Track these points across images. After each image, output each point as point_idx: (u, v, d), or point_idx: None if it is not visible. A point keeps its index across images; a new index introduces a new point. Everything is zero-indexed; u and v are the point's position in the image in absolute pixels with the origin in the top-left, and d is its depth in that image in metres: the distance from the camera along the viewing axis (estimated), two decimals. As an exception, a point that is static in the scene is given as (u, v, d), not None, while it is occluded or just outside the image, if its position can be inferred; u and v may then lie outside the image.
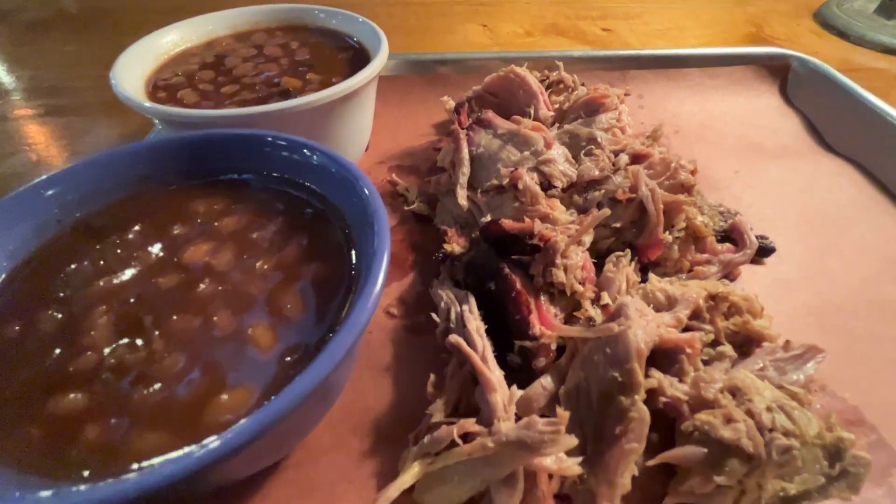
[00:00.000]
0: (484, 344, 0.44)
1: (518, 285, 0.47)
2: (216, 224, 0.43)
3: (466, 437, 0.39)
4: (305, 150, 0.46)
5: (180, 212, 0.44)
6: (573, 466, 0.37)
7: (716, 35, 1.21)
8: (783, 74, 0.90)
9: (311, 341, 0.34)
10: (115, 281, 0.38)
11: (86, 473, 0.28)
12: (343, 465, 0.41)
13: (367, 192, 0.41)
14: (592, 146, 0.65)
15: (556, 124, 0.71)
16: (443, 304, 0.50)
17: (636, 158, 0.63)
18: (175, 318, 0.36)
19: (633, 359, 0.39)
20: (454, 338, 0.44)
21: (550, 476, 0.39)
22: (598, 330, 0.43)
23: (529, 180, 0.57)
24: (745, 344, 0.47)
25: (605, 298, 0.49)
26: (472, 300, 0.49)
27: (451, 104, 0.76)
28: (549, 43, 1.17)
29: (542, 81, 0.77)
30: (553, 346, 0.46)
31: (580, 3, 1.36)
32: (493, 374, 0.42)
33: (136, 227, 0.42)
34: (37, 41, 1.22)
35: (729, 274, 0.58)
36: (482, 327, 0.46)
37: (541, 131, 0.65)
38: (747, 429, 0.36)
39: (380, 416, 0.46)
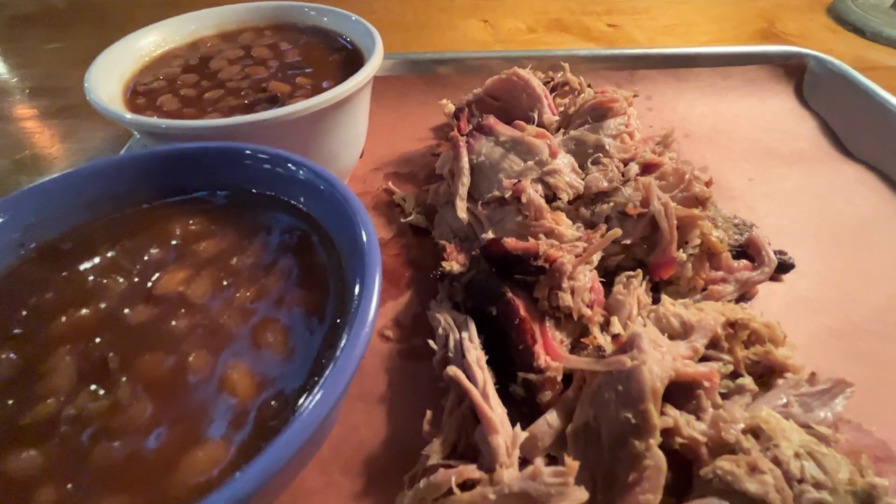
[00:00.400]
0: (485, 377, 0.41)
1: (522, 311, 0.44)
2: (193, 248, 0.40)
3: (466, 482, 0.36)
4: (290, 165, 0.42)
5: (154, 234, 0.40)
6: (582, 518, 0.34)
7: (725, 31, 1.17)
8: (799, 74, 0.85)
9: (293, 387, 0.31)
10: (81, 315, 0.34)
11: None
12: (333, 508, 0.38)
13: (356, 214, 0.37)
14: (600, 154, 0.62)
15: (562, 130, 0.67)
16: (440, 330, 0.46)
17: (647, 168, 0.60)
18: (145, 358, 0.32)
19: (647, 399, 0.36)
20: (452, 370, 0.41)
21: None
22: (608, 363, 0.39)
23: (533, 193, 0.54)
24: (766, 374, 0.44)
25: (615, 324, 0.45)
26: (472, 326, 0.45)
27: (451, 108, 0.73)
28: (553, 40, 1.12)
29: (546, 83, 0.73)
30: (559, 378, 0.42)
31: (585, -3, 1.32)
32: (495, 412, 0.38)
33: (107, 253, 0.38)
34: (20, 38, 1.17)
35: (745, 293, 0.55)
36: (483, 358, 0.42)
37: (545, 138, 0.61)
38: (774, 480, 0.33)
39: (373, 452, 0.42)
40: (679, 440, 0.37)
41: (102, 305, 0.35)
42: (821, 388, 0.40)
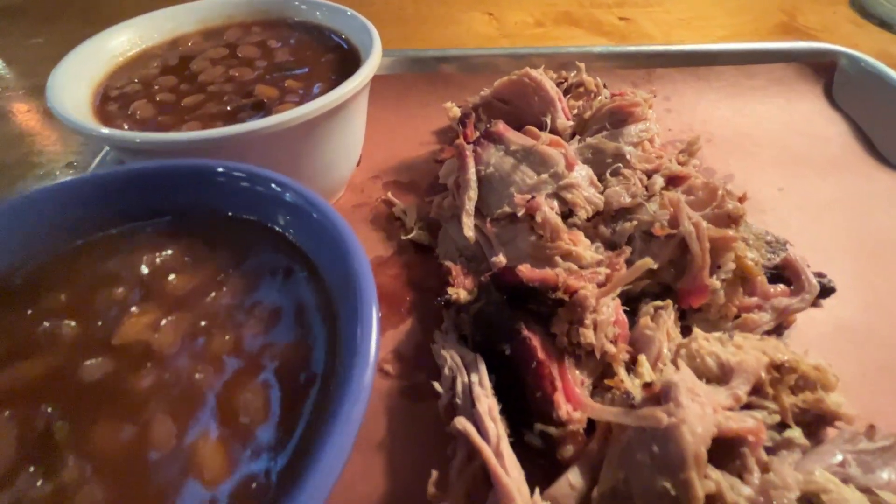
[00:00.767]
0: (498, 432, 0.36)
1: (539, 353, 0.39)
2: (162, 284, 0.34)
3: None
4: (274, 186, 0.37)
5: (117, 267, 0.35)
6: None
7: (744, 24, 1.10)
8: (829, 73, 0.79)
9: (275, 468, 0.26)
10: (26, 371, 0.29)
11: None
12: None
13: (349, 246, 0.32)
14: (620, 164, 0.56)
15: (576, 136, 0.62)
16: (446, 370, 0.41)
17: (673, 181, 0.54)
18: (98, 428, 0.27)
19: (689, 466, 0.31)
20: (462, 423, 0.36)
21: None
22: (641, 417, 0.34)
23: (549, 211, 0.48)
24: (815, 423, 0.39)
25: (644, 366, 0.40)
26: (483, 368, 0.40)
27: (455, 112, 0.67)
28: (562, 34, 1.06)
29: (559, 84, 0.67)
30: (583, 429, 0.37)
31: (594, -12, 1.25)
32: (511, 475, 0.33)
33: (61, 293, 0.33)
34: (1, 32, 1.11)
35: (782, 322, 0.49)
36: (496, 407, 0.37)
37: (560, 147, 0.55)
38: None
39: (371, 512, 0.38)
40: (723, 509, 0.32)
41: (52, 358, 0.30)
42: (882, 444, 0.35)
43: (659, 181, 0.52)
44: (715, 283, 0.45)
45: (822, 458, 0.35)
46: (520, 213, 0.49)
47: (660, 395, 0.35)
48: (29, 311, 0.32)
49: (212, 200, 0.38)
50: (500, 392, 0.40)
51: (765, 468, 0.34)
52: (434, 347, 0.45)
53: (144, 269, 0.35)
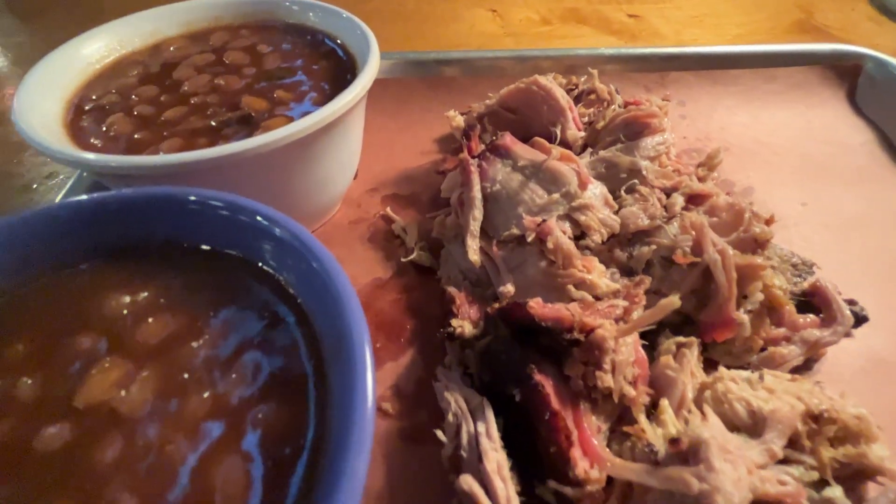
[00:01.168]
0: (508, 494, 0.32)
1: (553, 401, 0.35)
2: (133, 332, 0.31)
3: None
4: (260, 219, 0.33)
5: (84, 312, 0.31)
6: None
7: (759, 22, 1.05)
8: (853, 77, 0.75)
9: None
10: (-26, 440, 0.26)
11: None
12: None
13: (343, 295, 0.28)
14: (635, 181, 0.52)
15: (588, 147, 0.58)
16: (450, 416, 0.38)
17: (693, 199, 0.50)
18: (53, 512, 0.24)
19: (726, 543, 0.27)
20: (467, 483, 0.32)
21: None
22: (668, 479, 0.31)
23: (561, 236, 0.45)
24: (854, 477, 0.35)
25: (666, 412, 0.37)
26: (490, 415, 0.37)
27: (459, 121, 0.63)
28: (569, 32, 1.01)
29: (569, 91, 0.63)
30: (601, 487, 0.34)
31: (602, -17, 1.20)
32: (523, 546, 0.30)
33: (18, 344, 0.30)
34: (-20, 30, 1.06)
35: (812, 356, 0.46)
36: (505, 464, 0.34)
37: (572, 162, 0.51)
38: None
39: (368, 576, 0.34)
40: (760, 585, 0.29)
41: (5, 425, 0.26)
42: (933, 506, 0.32)
43: (679, 201, 0.49)
44: (742, 316, 0.42)
45: (867, 522, 0.32)
46: (529, 239, 0.45)
47: (688, 454, 0.32)
48: (-19, 368, 0.28)
49: (188, 233, 0.34)
50: (508, 437, 0.37)
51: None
52: (437, 387, 0.41)
53: (113, 314, 0.32)
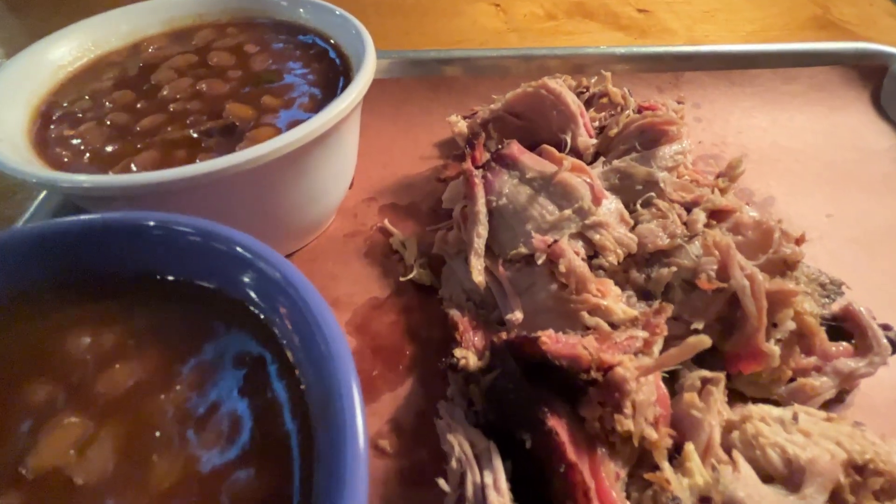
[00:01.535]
0: (520, 560, 0.29)
1: (568, 451, 0.31)
2: (94, 380, 0.27)
3: None
4: (238, 249, 0.29)
5: (40, 355, 0.28)
6: None
7: (774, 18, 1.01)
8: (877, 78, 0.71)
9: None
10: None
11: None
12: None
13: (332, 342, 0.25)
14: (652, 193, 0.49)
15: (600, 156, 0.54)
16: (454, 462, 0.34)
17: (715, 215, 0.47)
18: None
19: None
20: (474, 545, 0.29)
21: None
22: (698, 545, 0.27)
23: (574, 258, 0.41)
24: (901, 532, 0.32)
25: (692, 459, 0.33)
26: (498, 463, 0.33)
27: (461, 127, 0.59)
28: (576, 28, 0.97)
29: (579, 94, 0.59)
30: (621, 546, 0.31)
31: (610, -25, 1.15)
32: None
33: (-39, 397, 0.26)
34: (-42, 24, 1.01)
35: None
36: (515, 522, 0.31)
37: (584, 174, 0.48)
38: None
39: None
40: None
41: (-59, 499, 0.23)
42: None
43: (701, 217, 0.45)
44: (773, 349, 0.38)
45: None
46: (540, 262, 0.41)
47: (721, 515, 0.28)
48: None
49: (158, 263, 0.30)
50: (516, 482, 0.33)
51: None
52: (439, 425, 0.38)
53: (73, 358, 0.28)
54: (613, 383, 0.33)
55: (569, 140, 0.54)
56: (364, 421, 0.23)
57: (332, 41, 0.52)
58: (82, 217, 0.30)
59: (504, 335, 0.38)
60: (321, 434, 0.24)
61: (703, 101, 0.72)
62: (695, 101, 0.71)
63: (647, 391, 0.34)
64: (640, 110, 0.56)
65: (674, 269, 0.43)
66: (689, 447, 0.34)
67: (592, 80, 0.62)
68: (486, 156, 0.51)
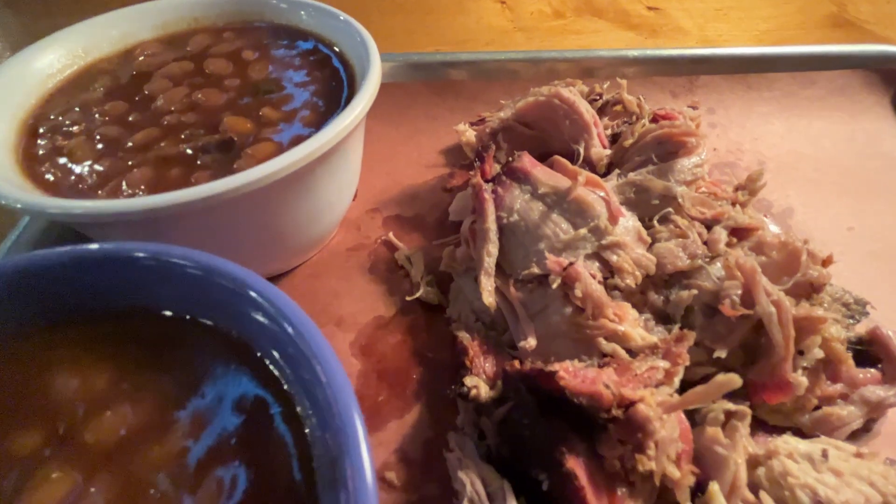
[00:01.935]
0: None
1: (589, 495, 0.30)
2: (84, 428, 0.25)
3: None
4: (239, 286, 0.27)
5: (29, 397, 0.26)
6: None
7: (789, 16, 0.98)
8: (900, 82, 0.69)
9: None
10: None
11: None
12: None
13: (338, 398, 0.23)
14: (670, 209, 0.47)
15: (615, 168, 0.52)
16: (466, 502, 0.33)
17: (737, 232, 0.44)
18: None
19: None
20: None
21: None
22: None
23: (591, 282, 0.39)
24: (939, 580, 0.30)
25: (717, 501, 0.31)
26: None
27: (469, 136, 0.56)
28: (584, 27, 0.94)
29: (592, 101, 0.57)
30: None
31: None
32: None
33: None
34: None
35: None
36: (533, 573, 0.29)
37: (599, 189, 0.45)
38: None
39: None
40: None
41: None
42: None
43: (723, 236, 0.43)
44: (800, 379, 0.36)
45: None
46: (554, 285, 0.39)
47: (753, 569, 0.27)
48: None
49: (151, 297, 0.28)
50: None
51: None
52: (449, 459, 0.36)
53: (62, 402, 0.26)
54: (636, 422, 0.31)
55: (582, 151, 0.52)
56: (374, 477, 0.21)
57: (335, 48, 0.49)
58: (69, 248, 0.28)
59: (517, 364, 0.36)
60: (327, 489, 0.22)
61: (718, 106, 0.69)
62: (709, 107, 0.69)
63: (669, 428, 0.33)
64: (655, 119, 0.53)
65: (694, 291, 0.41)
66: (714, 487, 0.32)
67: (605, 86, 0.60)
68: (496, 168, 0.48)
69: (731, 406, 0.36)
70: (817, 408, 0.40)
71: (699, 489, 0.33)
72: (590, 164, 0.52)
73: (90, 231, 0.36)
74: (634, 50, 0.70)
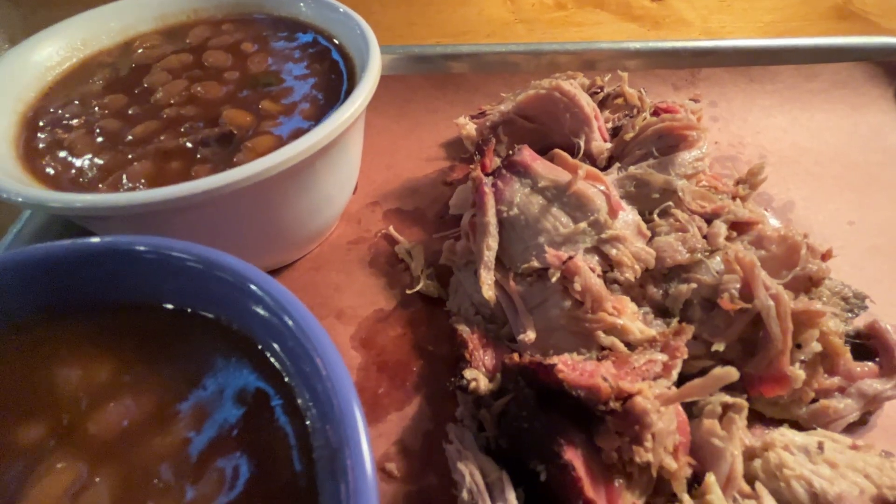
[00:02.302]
0: None
1: (586, 487, 0.30)
2: (87, 420, 0.26)
3: None
4: (240, 280, 0.27)
5: (32, 390, 0.26)
6: None
7: (793, 8, 0.97)
8: (903, 75, 0.68)
9: None
10: None
11: None
12: None
13: (338, 390, 0.23)
14: (670, 203, 0.47)
15: (615, 161, 0.52)
16: (465, 494, 0.33)
17: (737, 226, 0.44)
18: None
19: None
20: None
21: None
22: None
23: (590, 275, 0.39)
24: (931, 570, 0.31)
25: (713, 492, 0.32)
26: (512, 497, 0.32)
27: (470, 130, 0.56)
28: (587, 18, 0.93)
29: (593, 94, 0.56)
30: (639, 586, 0.30)
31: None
32: None
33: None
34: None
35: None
36: (530, 562, 0.29)
37: (599, 182, 0.45)
38: None
39: None
40: None
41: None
42: None
43: (722, 230, 0.43)
44: (798, 372, 0.37)
45: None
46: (554, 279, 0.39)
47: (747, 559, 0.27)
48: None
49: (152, 290, 0.28)
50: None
51: None
52: (449, 451, 0.36)
53: (65, 395, 0.26)
54: (633, 415, 0.31)
55: (582, 144, 0.51)
56: (374, 468, 0.22)
57: (334, 40, 0.49)
58: (71, 242, 0.28)
59: (516, 357, 0.36)
60: (326, 481, 0.23)
61: (721, 99, 0.69)
62: (711, 100, 0.68)
63: (667, 420, 0.33)
64: (656, 112, 0.53)
65: (693, 285, 0.41)
66: (711, 478, 0.33)
67: (606, 79, 0.59)
68: (496, 161, 0.48)
69: (728, 399, 0.36)
70: (814, 400, 0.40)
71: (696, 481, 0.34)
72: (590, 158, 0.52)
73: (91, 225, 0.36)
74: (636, 42, 0.69)
